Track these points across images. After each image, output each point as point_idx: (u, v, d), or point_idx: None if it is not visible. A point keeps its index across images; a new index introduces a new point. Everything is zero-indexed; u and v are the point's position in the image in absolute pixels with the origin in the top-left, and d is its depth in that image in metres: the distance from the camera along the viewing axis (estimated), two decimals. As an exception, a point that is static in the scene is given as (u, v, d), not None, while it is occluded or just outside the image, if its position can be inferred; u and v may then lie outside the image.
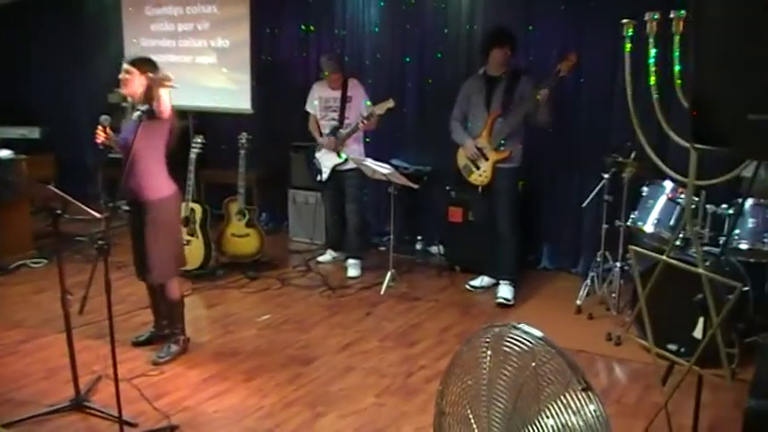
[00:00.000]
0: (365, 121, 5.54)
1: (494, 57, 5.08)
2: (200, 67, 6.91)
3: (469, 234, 5.74)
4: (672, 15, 2.40)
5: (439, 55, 6.23)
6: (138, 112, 3.79)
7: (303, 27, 6.82)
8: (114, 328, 3.18)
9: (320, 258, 6.21)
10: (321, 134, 5.82)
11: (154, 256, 4.02)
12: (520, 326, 2.10)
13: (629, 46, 2.62)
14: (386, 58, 6.47)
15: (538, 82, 4.96)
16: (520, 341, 2.06)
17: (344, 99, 5.71)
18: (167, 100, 3.81)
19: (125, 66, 3.92)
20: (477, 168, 5.19)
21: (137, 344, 4.36)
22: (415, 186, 5.50)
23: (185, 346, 4.30)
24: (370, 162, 5.39)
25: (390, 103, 5.44)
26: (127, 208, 4.10)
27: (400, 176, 5.35)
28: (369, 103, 5.66)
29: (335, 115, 5.74)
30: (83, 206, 3.47)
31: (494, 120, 5.10)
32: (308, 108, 5.91)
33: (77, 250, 6.09)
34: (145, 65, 3.93)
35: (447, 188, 5.93)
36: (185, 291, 5.08)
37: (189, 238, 5.54)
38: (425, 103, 6.37)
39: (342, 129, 5.69)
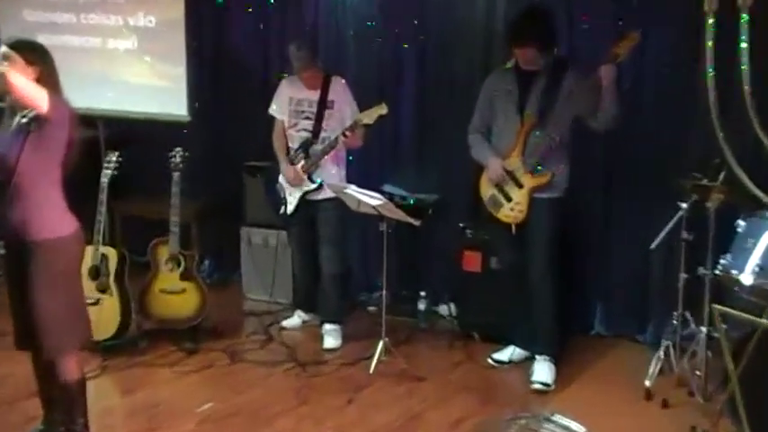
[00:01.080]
0: (348, 134, 5.54)
1: (519, 56, 5.11)
2: (114, 54, 6.98)
3: (493, 288, 5.71)
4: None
5: (448, 42, 6.25)
6: (24, 119, 3.78)
7: (261, 1, 6.86)
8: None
9: (285, 323, 6.23)
10: (288, 151, 5.82)
11: (45, 320, 3.94)
12: (554, 418, 2.05)
13: (711, 25, 2.56)
14: (375, 44, 6.50)
15: (588, 76, 4.94)
16: (555, 439, 2.01)
17: (323, 103, 5.73)
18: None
19: (3, 50, 3.88)
20: (509, 200, 5.15)
21: (20, 447, 4.30)
22: (417, 223, 5.46)
23: (89, 450, 4.23)
24: (353, 190, 5.35)
25: (383, 110, 5.48)
26: (4, 251, 4.06)
27: (395, 209, 5.32)
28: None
29: (309, 124, 5.75)
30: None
31: (528, 132, 5.08)
32: (273, 111, 5.92)
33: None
34: (33, 52, 3.92)
35: (461, 225, 5.94)
36: (92, 370, 5.10)
37: (99, 295, 5.51)
38: (429, 106, 6.40)
39: (316, 143, 5.69)
